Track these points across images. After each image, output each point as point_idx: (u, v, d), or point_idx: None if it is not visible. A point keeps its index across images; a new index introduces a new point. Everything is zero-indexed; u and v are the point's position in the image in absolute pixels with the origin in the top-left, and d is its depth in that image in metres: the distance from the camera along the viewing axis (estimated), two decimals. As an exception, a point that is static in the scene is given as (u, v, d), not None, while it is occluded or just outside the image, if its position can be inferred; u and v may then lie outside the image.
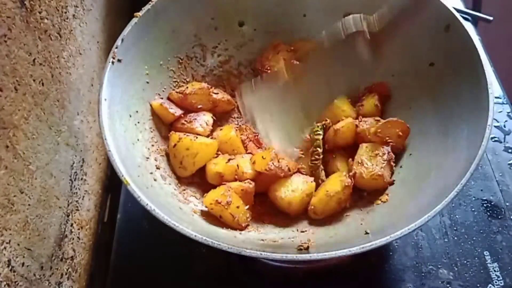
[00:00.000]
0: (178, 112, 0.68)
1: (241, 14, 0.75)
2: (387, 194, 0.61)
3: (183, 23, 0.71)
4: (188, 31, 0.72)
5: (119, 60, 0.60)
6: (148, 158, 0.62)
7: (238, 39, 0.76)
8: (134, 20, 0.63)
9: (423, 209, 0.49)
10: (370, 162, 0.62)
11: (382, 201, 0.60)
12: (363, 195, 0.63)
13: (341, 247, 0.47)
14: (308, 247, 0.52)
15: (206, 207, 0.59)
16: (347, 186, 0.60)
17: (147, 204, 0.49)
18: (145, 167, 0.60)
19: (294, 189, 0.62)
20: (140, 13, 0.64)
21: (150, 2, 0.65)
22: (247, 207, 0.60)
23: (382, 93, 0.71)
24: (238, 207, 0.59)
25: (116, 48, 0.60)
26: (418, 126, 0.65)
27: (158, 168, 0.62)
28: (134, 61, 0.64)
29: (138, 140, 0.62)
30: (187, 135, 0.64)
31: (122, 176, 0.51)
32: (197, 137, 0.65)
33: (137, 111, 0.64)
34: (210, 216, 0.59)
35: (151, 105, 0.66)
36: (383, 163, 0.61)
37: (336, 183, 0.61)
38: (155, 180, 0.60)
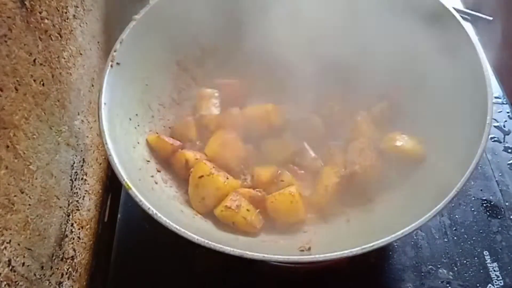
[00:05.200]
0: (176, 143, 0.65)
1: (241, 14, 0.75)
2: (387, 194, 0.61)
3: (182, 25, 0.70)
4: (187, 33, 0.72)
5: (118, 63, 0.60)
6: (148, 161, 0.62)
7: (238, 40, 0.76)
8: (133, 22, 0.63)
9: (423, 209, 0.49)
10: (360, 158, 0.63)
11: (382, 201, 0.61)
12: (363, 195, 0.63)
13: (342, 247, 0.47)
14: (309, 247, 0.52)
15: (217, 216, 0.58)
16: (342, 175, 0.62)
17: (148, 208, 0.49)
18: (146, 170, 0.60)
19: (292, 192, 0.61)
20: (138, 16, 0.64)
21: (148, 5, 0.65)
22: (258, 210, 0.60)
23: (393, 100, 0.70)
24: (248, 210, 0.58)
25: (115, 51, 0.60)
26: (416, 126, 0.65)
27: (159, 171, 0.62)
28: (133, 64, 0.64)
29: (138, 143, 0.62)
30: (219, 172, 0.60)
31: (124, 180, 0.51)
32: (228, 178, 0.61)
33: (137, 114, 0.64)
34: (211, 218, 0.59)
35: (147, 140, 0.64)
36: (371, 153, 0.63)
37: (331, 176, 0.63)
38: (156, 183, 0.60)
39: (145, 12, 0.64)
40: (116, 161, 0.52)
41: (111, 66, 0.59)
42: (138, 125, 0.64)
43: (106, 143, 0.54)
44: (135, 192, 0.50)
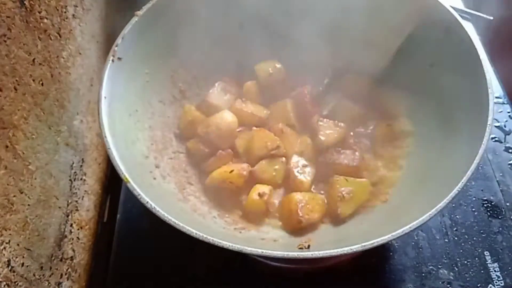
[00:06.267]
0: None
1: (242, 14, 0.75)
2: (387, 194, 0.61)
3: (183, 22, 0.70)
4: (189, 30, 0.72)
5: (119, 58, 0.60)
6: (147, 157, 0.62)
7: (238, 38, 0.76)
8: (135, 18, 0.63)
9: (423, 208, 0.49)
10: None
11: (382, 201, 0.60)
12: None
13: (342, 245, 0.47)
14: (308, 245, 0.52)
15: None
16: None
17: (147, 202, 0.49)
18: (144, 166, 0.60)
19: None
20: (140, 12, 0.64)
21: (150, 1, 0.65)
22: None
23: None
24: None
25: (117, 46, 0.60)
26: (418, 126, 0.65)
27: (157, 167, 0.62)
28: (134, 60, 0.63)
29: (137, 139, 0.62)
30: None
31: (122, 173, 0.51)
32: None
33: (136, 110, 0.64)
34: (209, 216, 0.59)
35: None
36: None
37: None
38: (154, 179, 0.60)
39: (148, 8, 0.64)
40: (115, 154, 0.52)
41: (112, 61, 0.59)
42: (138, 121, 0.63)
43: (105, 137, 0.53)
44: (133, 185, 0.50)
